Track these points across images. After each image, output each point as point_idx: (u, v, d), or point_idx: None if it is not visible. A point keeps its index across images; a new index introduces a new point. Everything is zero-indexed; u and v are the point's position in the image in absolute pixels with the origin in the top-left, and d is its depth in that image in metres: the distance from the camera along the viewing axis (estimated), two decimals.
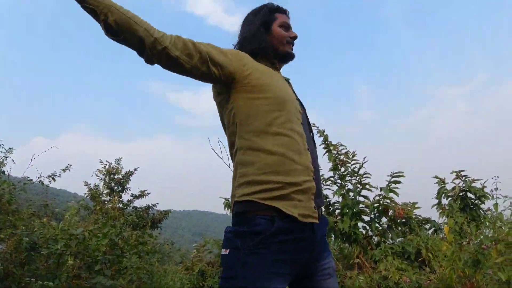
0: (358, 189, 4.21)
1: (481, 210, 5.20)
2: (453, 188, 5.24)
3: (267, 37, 1.58)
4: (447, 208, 5.18)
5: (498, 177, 4.09)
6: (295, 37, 1.63)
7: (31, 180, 4.40)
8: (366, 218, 4.25)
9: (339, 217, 4.24)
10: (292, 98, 1.46)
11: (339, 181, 4.38)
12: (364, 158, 4.35)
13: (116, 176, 9.73)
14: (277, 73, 1.57)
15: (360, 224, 4.19)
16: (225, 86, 1.43)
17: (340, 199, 4.29)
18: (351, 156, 4.38)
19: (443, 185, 5.38)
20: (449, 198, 5.40)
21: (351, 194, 4.25)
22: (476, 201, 5.26)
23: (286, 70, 1.70)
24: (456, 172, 5.24)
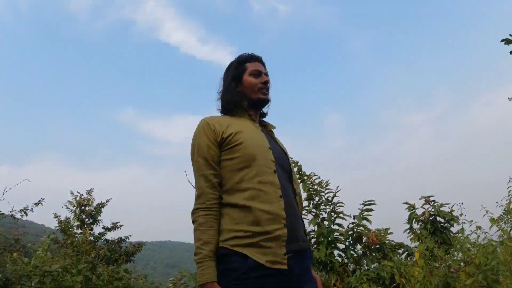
0: (333, 217, 4.31)
1: (450, 233, 5.40)
2: (423, 213, 5.43)
3: (239, 89, 1.69)
4: (418, 232, 5.35)
5: (462, 203, 4.32)
6: (266, 82, 1.69)
7: (3, 214, 4.28)
8: (341, 246, 4.34)
9: (315, 245, 4.31)
10: (262, 150, 1.54)
11: (314, 210, 4.48)
12: (337, 187, 4.48)
13: (87, 208, 9.46)
14: (250, 125, 1.65)
15: (335, 252, 4.26)
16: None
17: (315, 228, 4.37)
18: (324, 186, 4.50)
19: (413, 210, 5.56)
20: (420, 223, 5.59)
21: (326, 222, 4.34)
22: (446, 225, 5.46)
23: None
24: (424, 197, 5.45)
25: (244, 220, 1.42)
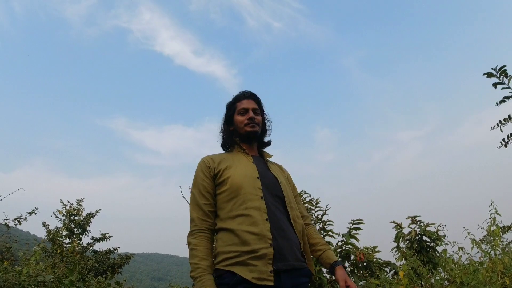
0: (322, 235, 4.40)
1: (436, 252, 5.52)
2: (410, 232, 5.57)
3: (232, 128, 1.99)
4: (404, 251, 5.47)
5: (445, 225, 4.48)
6: (251, 118, 1.92)
7: None
8: None
9: None
10: (250, 180, 1.75)
11: None
12: (327, 205, 4.58)
13: (76, 218, 9.41)
14: (242, 158, 1.90)
15: (324, 269, 4.34)
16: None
17: None
18: (315, 204, 4.60)
19: (400, 229, 5.70)
20: (407, 242, 5.71)
21: None
22: (432, 244, 5.60)
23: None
24: (411, 217, 5.60)
25: (233, 242, 1.61)
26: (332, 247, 4.44)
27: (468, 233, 3.84)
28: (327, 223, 4.47)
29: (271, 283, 1.52)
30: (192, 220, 1.74)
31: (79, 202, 9.62)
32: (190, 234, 1.72)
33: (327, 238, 4.44)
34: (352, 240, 4.40)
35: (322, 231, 4.44)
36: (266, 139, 2.07)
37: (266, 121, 2.07)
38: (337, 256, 4.41)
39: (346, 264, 4.50)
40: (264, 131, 2.05)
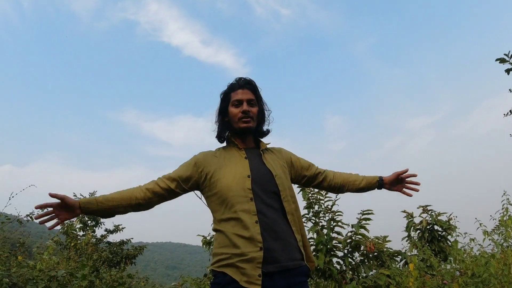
0: (332, 226, 4.39)
1: (448, 242, 5.48)
2: (421, 222, 5.53)
3: (226, 119, 1.90)
4: (416, 240, 5.43)
5: (456, 216, 4.42)
6: (246, 111, 1.82)
7: (9, 219, 4.36)
8: (340, 254, 4.41)
9: (314, 253, 4.39)
10: (239, 181, 1.72)
11: (313, 218, 4.55)
12: (336, 195, 4.54)
13: None
14: (235, 154, 1.85)
15: (334, 259, 4.34)
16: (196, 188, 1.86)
17: (315, 236, 4.44)
18: (324, 193, 4.57)
19: (411, 219, 5.66)
20: (418, 231, 5.67)
21: (325, 230, 4.41)
22: (443, 233, 5.55)
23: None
24: (422, 206, 5.55)
25: (225, 244, 1.64)
26: (342, 238, 4.43)
27: (480, 224, 3.79)
28: (337, 213, 4.45)
29: (259, 287, 1.53)
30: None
31: (92, 194, 9.76)
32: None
33: (337, 229, 4.43)
34: (362, 231, 4.38)
35: (332, 222, 4.43)
36: (264, 128, 1.97)
37: (264, 111, 1.96)
38: (347, 246, 4.41)
39: (356, 254, 4.49)
40: (261, 121, 1.94)
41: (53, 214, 1.62)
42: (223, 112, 1.91)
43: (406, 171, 2.04)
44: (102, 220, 9.61)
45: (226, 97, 1.90)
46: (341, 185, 2.07)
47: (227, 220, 1.67)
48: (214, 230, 1.76)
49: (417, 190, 2.07)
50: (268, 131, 1.98)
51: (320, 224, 4.52)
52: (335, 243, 4.38)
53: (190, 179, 1.78)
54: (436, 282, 3.04)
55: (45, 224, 1.63)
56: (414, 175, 2.07)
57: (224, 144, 1.97)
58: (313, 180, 2.05)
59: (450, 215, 5.49)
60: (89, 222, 9.45)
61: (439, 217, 5.60)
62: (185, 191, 1.82)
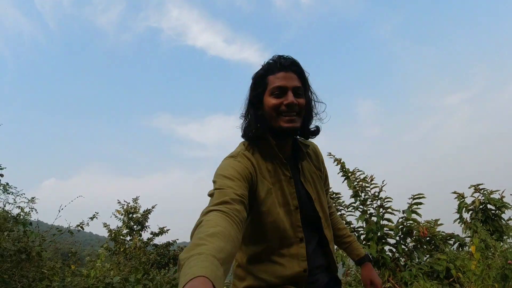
0: (381, 213, 4.28)
1: (502, 220, 5.24)
2: (473, 202, 5.30)
3: (260, 113, 1.32)
4: (470, 222, 5.23)
5: (504, 190, 4.19)
6: (291, 104, 1.25)
7: (61, 230, 4.51)
8: (392, 241, 4.30)
9: (364, 242, 4.30)
10: (288, 213, 1.29)
11: (361, 206, 4.45)
12: (383, 181, 4.43)
13: (134, 215, 9.80)
14: (277, 170, 1.32)
15: (386, 247, 4.23)
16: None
17: (364, 225, 4.35)
18: (369, 181, 4.46)
19: (463, 199, 5.44)
20: (470, 212, 5.45)
21: (374, 218, 4.31)
22: (497, 212, 5.31)
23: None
24: (474, 186, 5.31)
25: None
26: (393, 224, 4.31)
27: None
28: (386, 200, 4.34)
29: None
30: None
31: (135, 200, 10.00)
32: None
33: (387, 215, 4.32)
34: (414, 216, 4.25)
35: (381, 209, 4.32)
36: (311, 127, 1.39)
37: (313, 103, 1.38)
38: (398, 233, 4.29)
39: (409, 240, 4.37)
40: (308, 117, 1.36)
41: None
42: (256, 103, 1.32)
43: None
44: (147, 223, 9.85)
45: (261, 82, 1.30)
46: (335, 236, 1.62)
47: (264, 262, 1.28)
48: (239, 266, 1.35)
49: None
50: (318, 130, 1.40)
51: (369, 212, 4.42)
52: (386, 230, 4.27)
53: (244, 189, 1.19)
54: (501, 263, 2.88)
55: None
56: None
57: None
58: None
59: (503, 192, 5.24)
60: (134, 226, 9.68)
61: (491, 196, 5.36)
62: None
